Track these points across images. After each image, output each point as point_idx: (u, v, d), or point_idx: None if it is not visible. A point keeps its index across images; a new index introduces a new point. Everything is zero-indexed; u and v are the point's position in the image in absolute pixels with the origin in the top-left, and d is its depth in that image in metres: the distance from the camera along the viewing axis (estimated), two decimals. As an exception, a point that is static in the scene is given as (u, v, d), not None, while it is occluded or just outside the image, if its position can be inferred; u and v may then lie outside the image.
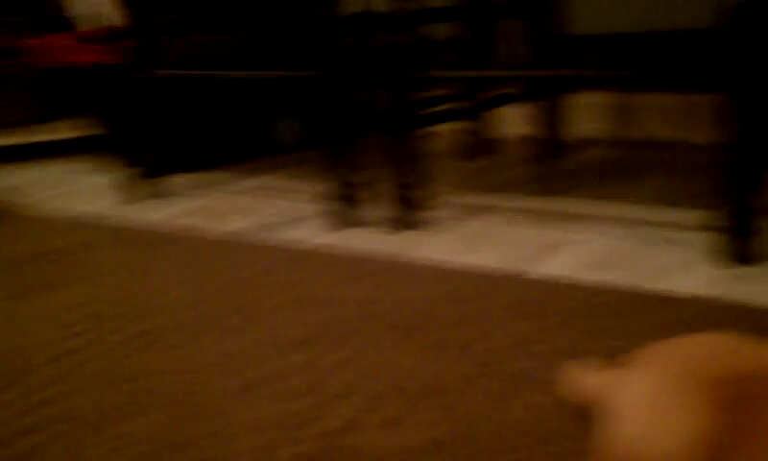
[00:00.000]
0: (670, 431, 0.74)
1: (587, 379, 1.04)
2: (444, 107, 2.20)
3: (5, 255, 1.92)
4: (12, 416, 1.17)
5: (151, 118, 2.46)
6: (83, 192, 2.52)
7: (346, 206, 1.95)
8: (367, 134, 2.05)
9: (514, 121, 2.61)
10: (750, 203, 1.49)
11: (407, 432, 1.05)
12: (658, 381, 0.78)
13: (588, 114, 2.57)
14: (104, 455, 1.05)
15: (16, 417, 1.16)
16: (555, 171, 2.30)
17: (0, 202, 2.43)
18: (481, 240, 1.77)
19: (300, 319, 1.43)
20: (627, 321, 1.32)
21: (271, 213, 2.11)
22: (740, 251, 1.52)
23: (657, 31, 2.29)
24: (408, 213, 1.89)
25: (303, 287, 1.58)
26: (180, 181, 2.53)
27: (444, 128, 2.75)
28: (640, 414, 0.77)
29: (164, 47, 2.46)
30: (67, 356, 1.35)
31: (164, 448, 1.05)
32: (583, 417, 1.01)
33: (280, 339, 1.35)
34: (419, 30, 1.80)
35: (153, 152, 2.48)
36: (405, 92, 1.84)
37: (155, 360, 1.31)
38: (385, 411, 1.10)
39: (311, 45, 1.94)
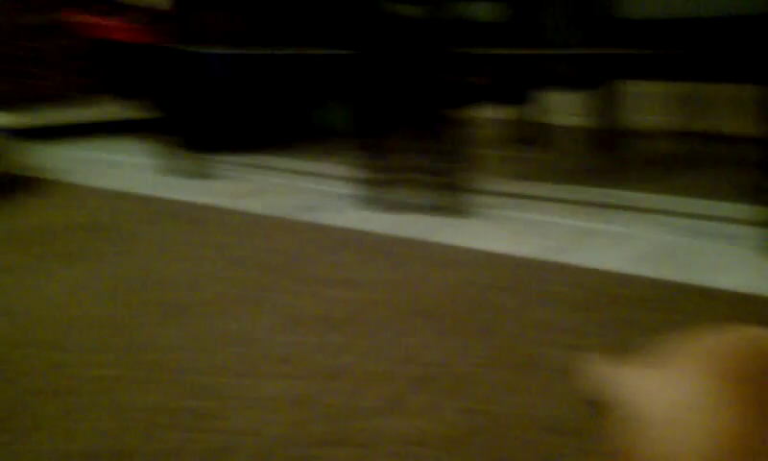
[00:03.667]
0: (699, 434, 0.67)
1: (608, 373, 0.96)
2: (489, 92, 2.13)
3: (46, 227, 1.92)
4: (11, 380, 1.15)
5: (194, 98, 2.45)
6: (120, 168, 2.53)
7: (380, 189, 1.90)
8: (408, 117, 1.99)
9: (567, 109, 2.52)
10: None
11: (402, 420, 0.99)
12: (683, 380, 0.71)
13: (646, 104, 2.46)
14: (97, 423, 1.02)
15: (18, 379, 1.15)
16: (608, 161, 2.21)
17: (43, 176, 2.45)
18: (519, 228, 1.70)
19: (319, 299, 1.38)
20: (661, 314, 1.23)
21: (306, 195, 2.08)
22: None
23: (713, 16, 2.17)
24: (443, 198, 1.82)
25: (328, 268, 1.53)
26: (221, 160, 2.51)
27: (494, 114, 2.67)
28: (668, 415, 0.70)
29: (208, 26, 2.44)
30: (80, 325, 1.33)
31: (160, 418, 1.02)
32: (600, 411, 0.93)
33: (295, 319, 1.31)
34: (458, 10, 1.74)
35: (196, 131, 2.46)
36: (446, 72, 1.77)
37: (168, 333, 1.28)
38: (382, 394, 1.05)
39: (351, 25, 1.89)
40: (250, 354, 1.18)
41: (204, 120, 2.57)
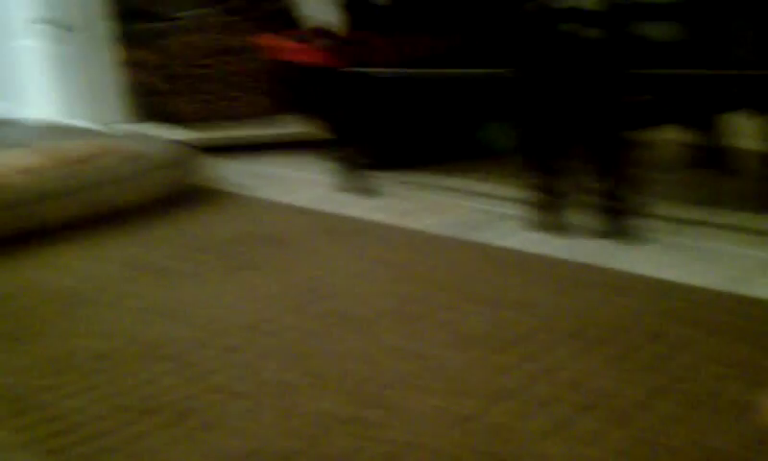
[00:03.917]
0: None
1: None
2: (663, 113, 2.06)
3: (225, 237, 2.04)
4: (170, 386, 1.23)
5: (365, 117, 2.53)
6: (295, 184, 2.64)
7: (544, 210, 1.88)
8: (581, 139, 1.95)
9: (754, 132, 2.38)
10: None
11: (567, 445, 0.97)
12: None
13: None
14: (268, 425, 1.07)
15: (177, 386, 1.22)
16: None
17: (224, 189, 2.61)
18: (696, 256, 1.63)
19: (486, 319, 1.38)
20: None
21: (472, 214, 2.08)
22: None
23: None
24: (615, 222, 1.77)
25: (495, 288, 1.53)
26: (389, 178, 2.57)
27: (676, 137, 2.57)
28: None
29: (380, 50, 2.52)
30: (257, 331, 1.40)
31: (327, 424, 1.05)
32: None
33: (455, 336, 1.32)
34: (632, 28, 1.70)
35: (365, 149, 2.54)
36: (616, 93, 1.73)
37: (338, 344, 1.33)
38: (548, 417, 1.03)
39: (518, 45, 1.89)
40: (417, 369, 1.21)
41: (373, 139, 2.64)
